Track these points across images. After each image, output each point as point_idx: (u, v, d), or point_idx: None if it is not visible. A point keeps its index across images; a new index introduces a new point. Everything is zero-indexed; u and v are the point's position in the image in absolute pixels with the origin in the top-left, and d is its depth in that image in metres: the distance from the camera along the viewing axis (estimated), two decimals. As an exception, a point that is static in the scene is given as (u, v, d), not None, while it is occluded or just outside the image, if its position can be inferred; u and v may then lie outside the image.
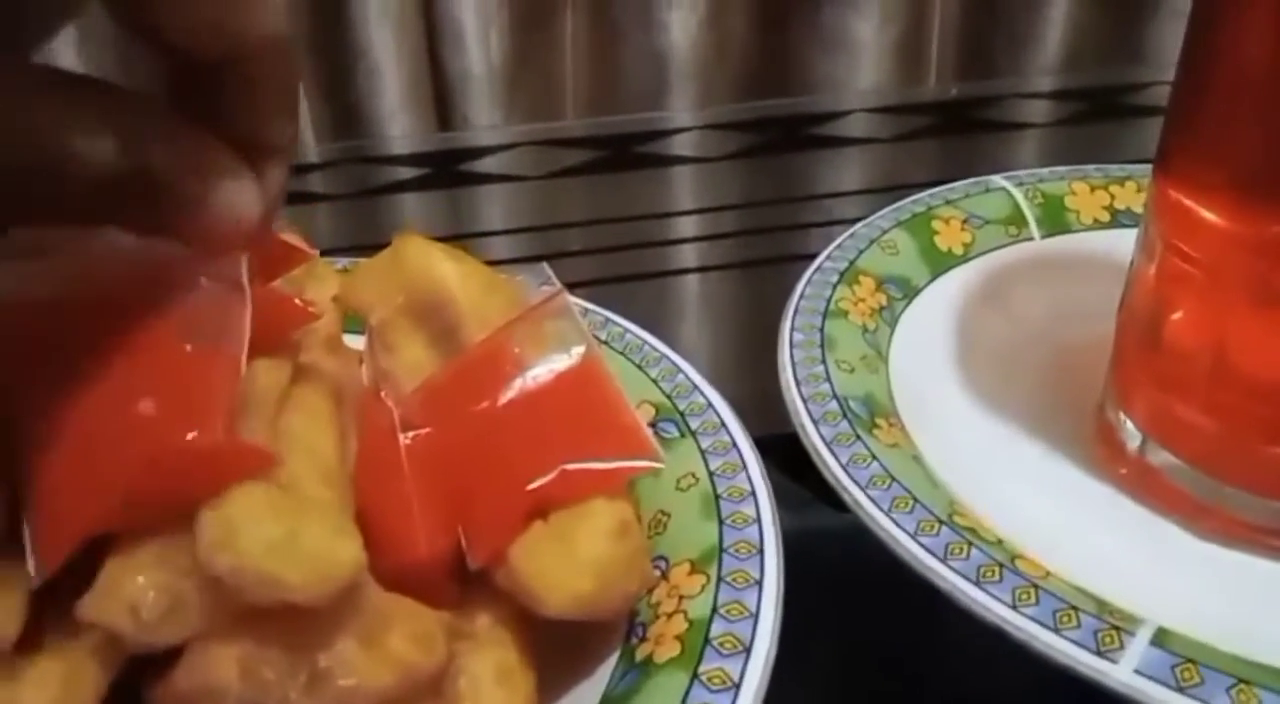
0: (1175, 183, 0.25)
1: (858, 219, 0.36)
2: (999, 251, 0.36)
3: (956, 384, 0.31)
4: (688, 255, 0.50)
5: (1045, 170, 0.38)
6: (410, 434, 0.21)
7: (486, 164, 0.59)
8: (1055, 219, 0.37)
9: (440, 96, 0.68)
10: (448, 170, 0.59)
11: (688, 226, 0.52)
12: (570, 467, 0.21)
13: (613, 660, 0.22)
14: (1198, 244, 0.25)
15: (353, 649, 0.19)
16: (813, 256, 0.34)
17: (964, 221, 0.36)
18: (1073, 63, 0.69)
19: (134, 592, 0.18)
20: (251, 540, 0.17)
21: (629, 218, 0.52)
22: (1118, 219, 0.37)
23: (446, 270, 0.25)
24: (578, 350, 0.23)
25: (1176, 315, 0.26)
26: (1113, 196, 0.37)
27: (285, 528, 0.18)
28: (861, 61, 0.71)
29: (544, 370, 0.23)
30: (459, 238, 0.52)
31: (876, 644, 0.27)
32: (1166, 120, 0.26)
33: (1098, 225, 0.37)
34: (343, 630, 0.19)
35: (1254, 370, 0.25)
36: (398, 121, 0.66)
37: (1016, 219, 0.36)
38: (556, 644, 0.22)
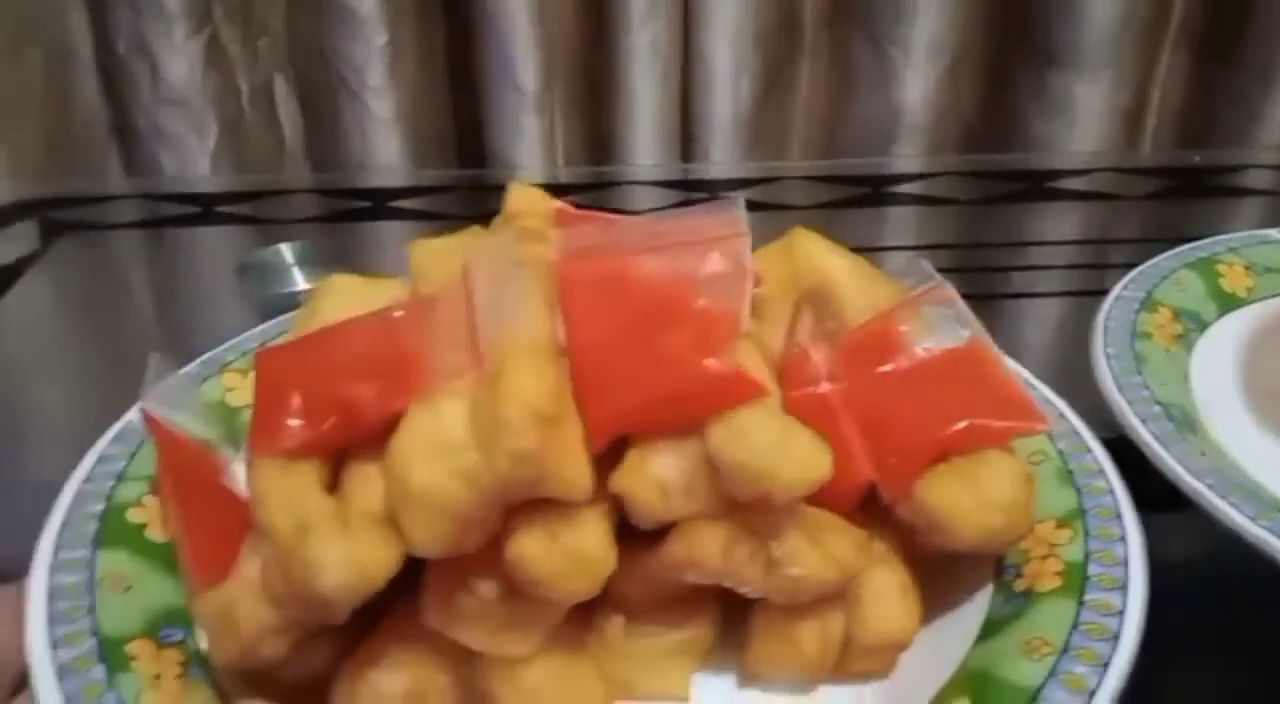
0: None
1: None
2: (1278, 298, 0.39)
3: (1245, 411, 0.34)
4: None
5: (1321, 228, 0.41)
6: (830, 386, 0.26)
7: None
8: (1331, 270, 0.40)
9: (687, 137, 0.74)
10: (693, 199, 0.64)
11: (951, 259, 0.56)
12: (973, 421, 0.25)
13: (989, 591, 0.26)
14: None
15: (803, 546, 0.24)
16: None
17: (1246, 268, 0.39)
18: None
19: (661, 471, 0.22)
20: (756, 440, 0.22)
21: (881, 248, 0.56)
22: (1388, 271, 0.39)
23: (834, 263, 0.30)
24: (965, 332, 0.27)
25: None
26: (1382, 250, 0.40)
27: (782, 433, 0.22)
28: (1081, 125, 0.74)
29: (935, 345, 0.27)
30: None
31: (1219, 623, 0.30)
32: None
33: (1371, 278, 0.40)
34: (796, 530, 0.24)
35: None
36: (648, 152, 0.72)
37: (1294, 270, 0.39)
38: (931, 578, 0.26)
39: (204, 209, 0.59)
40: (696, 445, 0.23)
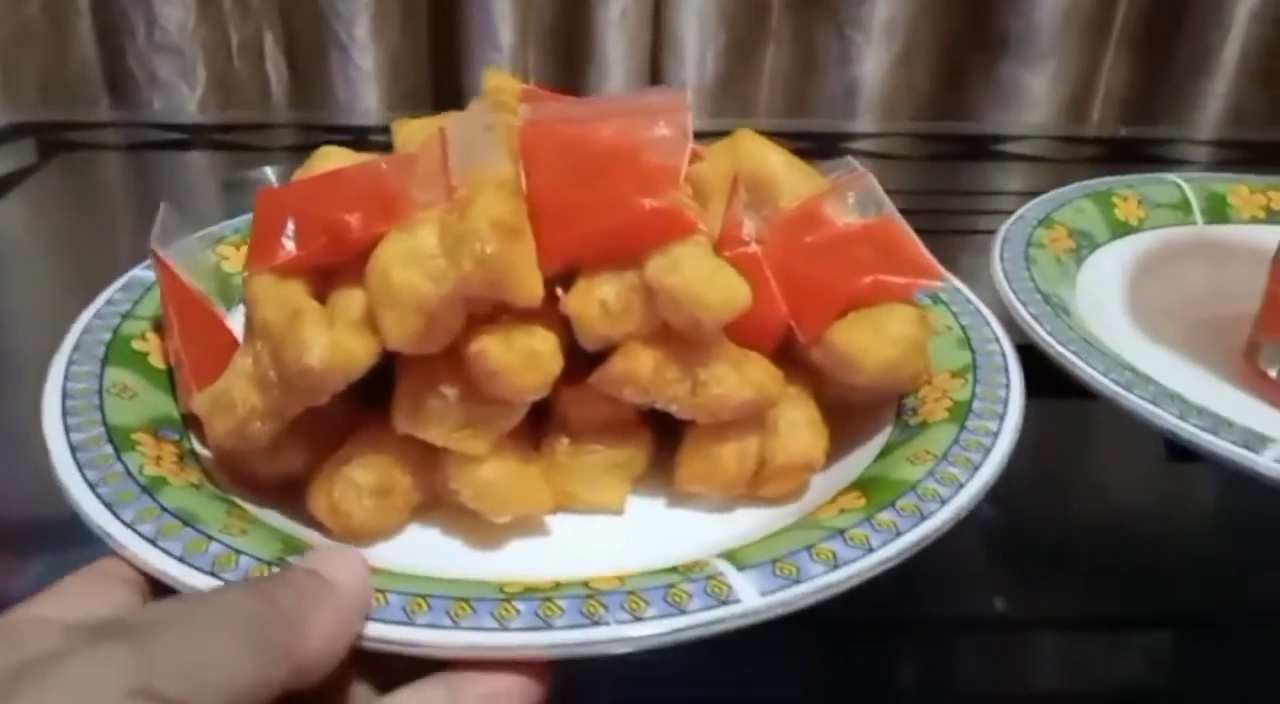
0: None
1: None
2: (1167, 229, 0.43)
3: (1125, 318, 0.38)
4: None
5: (1212, 173, 0.46)
6: (758, 248, 0.30)
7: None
8: (1217, 211, 0.44)
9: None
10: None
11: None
12: (879, 277, 0.29)
13: (888, 428, 0.30)
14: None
15: (725, 370, 0.27)
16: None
17: (1139, 201, 0.44)
18: (1229, 128, 0.76)
19: (603, 293, 0.26)
20: (689, 269, 0.26)
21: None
22: (1274, 217, 0.44)
23: (772, 157, 0.33)
24: (880, 210, 0.31)
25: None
26: (1270, 199, 0.44)
27: (710, 267, 0.26)
28: (1030, 113, 0.79)
29: (854, 219, 0.31)
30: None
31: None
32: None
33: (1254, 221, 0.44)
34: (719, 357, 0.27)
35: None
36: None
37: (1184, 206, 0.44)
38: (841, 420, 0.30)
39: (192, 136, 0.62)
40: (636, 275, 0.26)
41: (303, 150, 0.63)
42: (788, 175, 0.33)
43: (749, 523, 0.28)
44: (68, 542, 0.25)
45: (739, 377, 0.27)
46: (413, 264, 0.25)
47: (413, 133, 0.32)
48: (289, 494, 0.28)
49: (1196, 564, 0.32)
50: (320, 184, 0.28)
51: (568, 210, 0.27)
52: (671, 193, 0.27)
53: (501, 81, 0.33)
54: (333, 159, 0.31)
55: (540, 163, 0.27)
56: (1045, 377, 0.33)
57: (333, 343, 0.24)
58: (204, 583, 0.22)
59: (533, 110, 0.29)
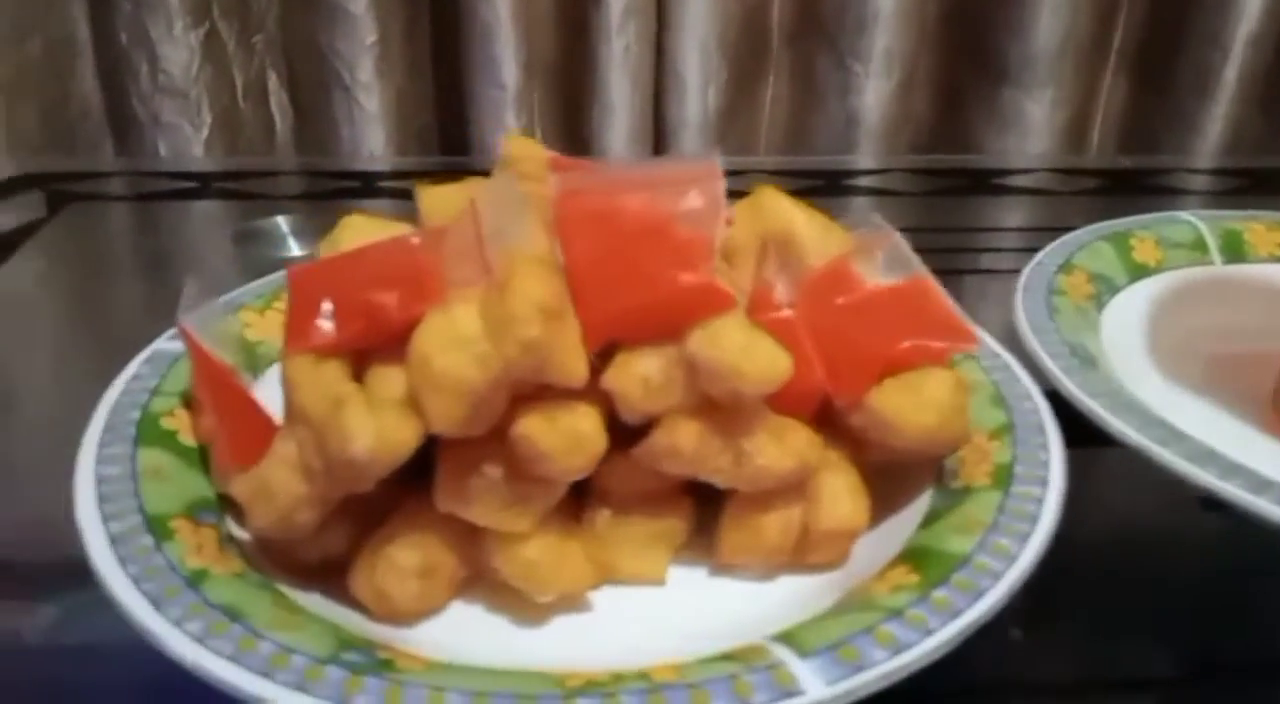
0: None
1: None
2: (1185, 269, 0.43)
3: (1149, 363, 0.38)
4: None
5: (1226, 211, 0.46)
6: (792, 313, 0.29)
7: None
8: (1234, 249, 0.44)
9: (659, 138, 0.78)
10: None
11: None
12: (916, 342, 0.29)
13: (928, 493, 0.29)
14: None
15: (767, 440, 0.27)
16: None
17: (1156, 242, 0.43)
18: (1230, 154, 0.76)
19: (644, 369, 0.26)
20: (728, 342, 0.26)
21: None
22: (1291, 255, 0.44)
23: (795, 214, 0.33)
24: (910, 270, 0.31)
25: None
26: (1285, 237, 0.44)
27: (749, 338, 0.26)
28: (1030, 139, 0.79)
29: (882, 279, 0.30)
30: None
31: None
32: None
33: (1272, 259, 0.44)
34: (761, 427, 0.27)
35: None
36: (622, 151, 0.76)
37: (1200, 245, 0.44)
38: (880, 482, 0.30)
39: (201, 184, 0.62)
40: (675, 349, 0.26)
41: (312, 198, 0.63)
42: (812, 233, 0.33)
43: (791, 590, 0.28)
44: (77, 584, 0.25)
45: (781, 447, 0.27)
46: (455, 349, 0.24)
47: (438, 202, 0.32)
48: (331, 574, 0.27)
49: (1242, 615, 0.32)
50: (352, 261, 0.28)
51: (604, 286, 0.26)
52: (707, 266, 0.26)
53: (524, 147, 0.32)
54: (358, 229, 0.31)
55: (575, 237, 0.27)
56: (1069, 423, 0.33)
57: (378, 431, 0.24)
58: (256, 685, 0.22)
59: (563, 181, 0.29)
